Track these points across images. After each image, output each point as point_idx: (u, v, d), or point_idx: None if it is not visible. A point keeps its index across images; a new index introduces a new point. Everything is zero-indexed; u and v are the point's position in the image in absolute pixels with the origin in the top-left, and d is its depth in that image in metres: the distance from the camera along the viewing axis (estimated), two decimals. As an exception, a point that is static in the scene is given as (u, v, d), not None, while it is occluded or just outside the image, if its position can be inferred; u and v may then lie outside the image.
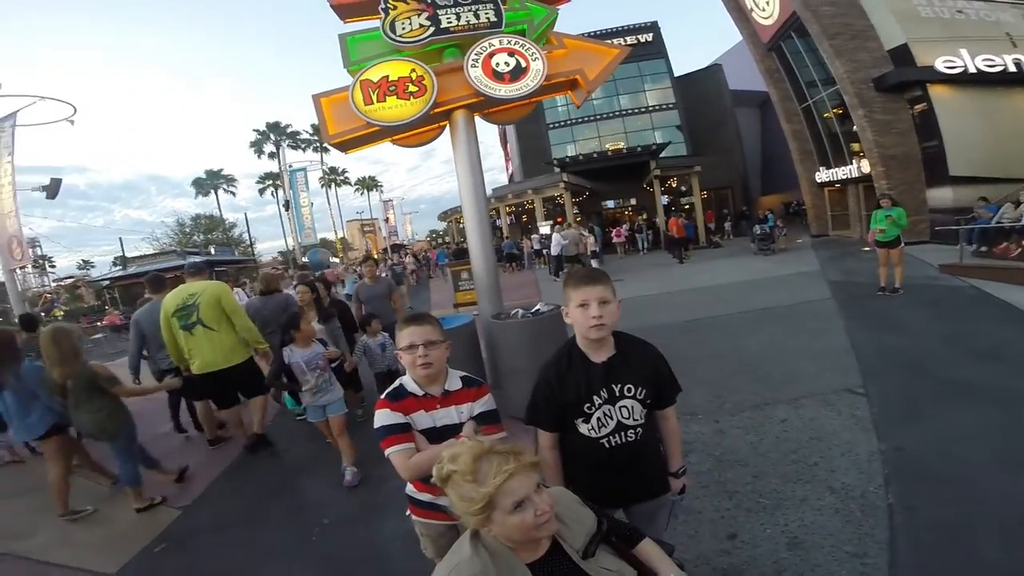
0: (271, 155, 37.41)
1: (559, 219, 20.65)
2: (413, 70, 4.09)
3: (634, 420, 1.54)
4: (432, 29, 4.21)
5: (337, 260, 33.03)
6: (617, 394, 1.52)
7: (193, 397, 4.52)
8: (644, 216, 22.64)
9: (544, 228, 19.50)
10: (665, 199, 20.06)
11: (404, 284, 14.09)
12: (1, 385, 3.37)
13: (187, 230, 40.16)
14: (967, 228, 8.80)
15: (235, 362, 4.07)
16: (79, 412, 3.30)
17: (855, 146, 13.62)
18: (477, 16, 4.26)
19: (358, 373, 4.77)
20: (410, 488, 1.70)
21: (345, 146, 4.42)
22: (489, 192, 19.08)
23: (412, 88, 4.06)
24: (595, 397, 1.51)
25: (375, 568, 2.59)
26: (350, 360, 4.31)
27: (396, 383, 1.66)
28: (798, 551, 2.23)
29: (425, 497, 1.66)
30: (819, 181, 15.90)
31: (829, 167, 15.26)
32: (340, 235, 42.39)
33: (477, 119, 4.65)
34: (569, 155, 24.75)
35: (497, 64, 4.15)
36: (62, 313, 22.26)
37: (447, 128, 4.59)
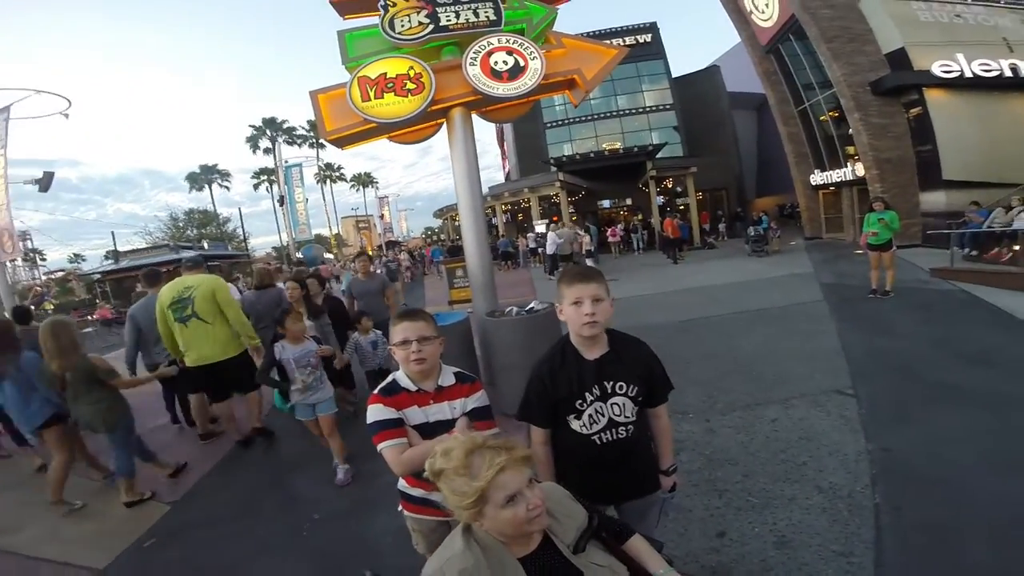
0: (266, 151, 37.22)
1: (555, 218, 20.69)
2: (411, 67, 4.08)
3: (625, 417, 1.55)
4: (431, 27, 4.21)
5: (331, 256, 32.92)
6: (609, 391, 1.53)
7: (188, 390, 4.51)
8: (639, 216, 22.71)
9: (540, 227, 19.53)
10: (661, 200, 20.12)
11: (398, 281, 14.08)
12: (1, 375, 3.37)
13: (180, 224, 39.89)
14: (958, 232, 8.89)
15: (230, 355, 4.09)
16: (78, 404, 3.31)
17: (850, 149, 13.71)
18: (476, 14, 4.26)
19: (351, 370, 4.77)
20: (402, 483, 1.70)
21: (342, 142, 4.42)
22: (485, 190, 19.11)
23: (410, 85, 4.06)
24: (587, 394, 1.52)
25: (366, 563, 2.58)
26: (340, 357, 4.30)
27: (389, 378, 1.66)
28: (786, 549, 2.26)
29: (417, 492, 1.66)
30: (814, 184, 16.00)
31: (824, 170, 15.35)
32: (335, 231, 42.24)
33: (474, 117, 4.65)
34: (566, 154, 24.76)
35: (495, 62, 4.15)
36: (52, 306, 22.08)
37: (444, 125, 4.59)
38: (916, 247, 11.26)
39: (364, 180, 51.05)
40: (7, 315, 6.07)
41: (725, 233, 21.67)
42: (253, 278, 5.65)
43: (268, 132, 37.00)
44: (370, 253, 20.14)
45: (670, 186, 22.24)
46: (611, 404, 1.54)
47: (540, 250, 17.35)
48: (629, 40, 25.35)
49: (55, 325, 3.31)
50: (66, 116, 11.86)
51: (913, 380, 4.04)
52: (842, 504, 2.52)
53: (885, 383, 4.05)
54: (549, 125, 27.35)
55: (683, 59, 48.12)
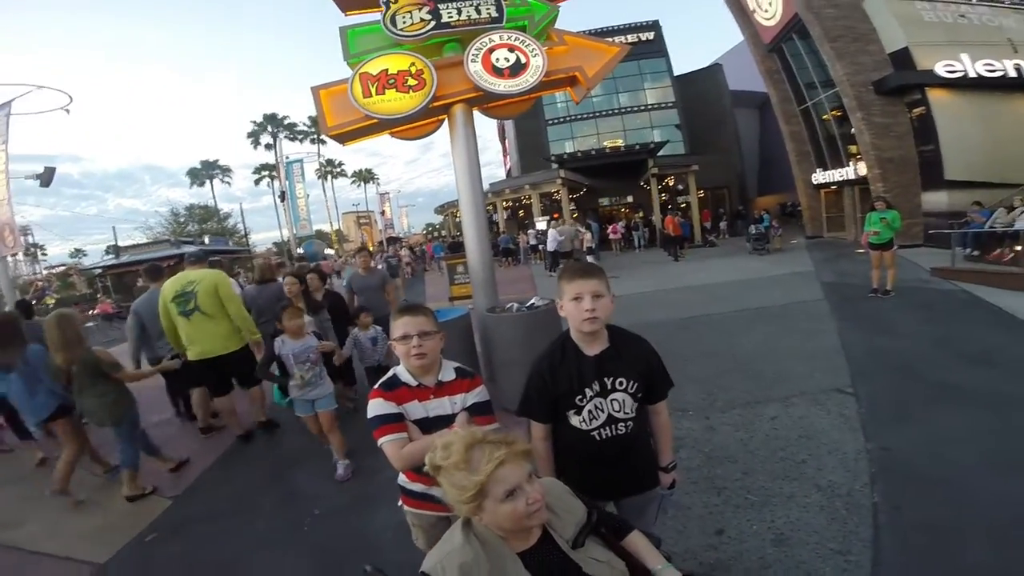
0: (268, 146, 37.25)
1: (556, 215, 20.69)
2: (413, 64, 4.08)
3: (625, 413, 1.55)
4: (433, 23, 4.20)
5: (332, 252, 32.92)
6: (609, 387, 1.53)
7: (190, 385, 4.53)
8: (640, 214, 22.69)
9: (540, 224, 19.54)
10: (662, 197, 20.10)
11: (399, 276, 14.08)
12: (8, 367, 3.39)
13: (181, 220, 39.87)
14: (960, 232, 8.87)
15: (232, 349, 4.12)
16: (83, 397, 3.32)
17: (852, 148, 13.69)
18: (478, 11, 4.25)
19: (351, 366, 4.77)
20: (402, 478, 1.71)
21: (343, 138, 4.42)
22: (486, 187, 19.05)
23: (411, 82, 4.05)
24: (587, 390, 1.52)
25: (366, 558, 2.58)
26: (339, 353, 4.29)
27: (390, 373, 1.66)
28: (783, 547, 2.26)
29: (418, 487, 1.67)
30: (815, 183, 15.97)
31: (826, 169, 15.33)
32: (336, 227, 42.23)
33: (476, 113, 4.64)
34: (567, 151, 24.73)
35: (497, 59, 4.14)
36: (53, 301, 22.12)
37: (446, 121, 4.58)
38: (918, 247, 11.24)
39: (365, 176, 51.03)
40: (11, 309, 6.10)
41: (726, 231, 21.64)
42: (254, 272, 5.67)
43: (269, 128, 37.02)
44: (371, 249, 20.16)
45: (671, 184, 22.26)
46: (611, 400, 1.54)
47: (541, 247, 17.36)
48: (631, 38, 25.29)
49: (60, 318, 3.34)
50: (67, 111, 11.87)
51: (913, 379, 4.04)
52: (840, 502, 2.53)
53: (885, 382, 4.05)
54: (551, 122, 27.33)
55: (685, 57, 48.41)
